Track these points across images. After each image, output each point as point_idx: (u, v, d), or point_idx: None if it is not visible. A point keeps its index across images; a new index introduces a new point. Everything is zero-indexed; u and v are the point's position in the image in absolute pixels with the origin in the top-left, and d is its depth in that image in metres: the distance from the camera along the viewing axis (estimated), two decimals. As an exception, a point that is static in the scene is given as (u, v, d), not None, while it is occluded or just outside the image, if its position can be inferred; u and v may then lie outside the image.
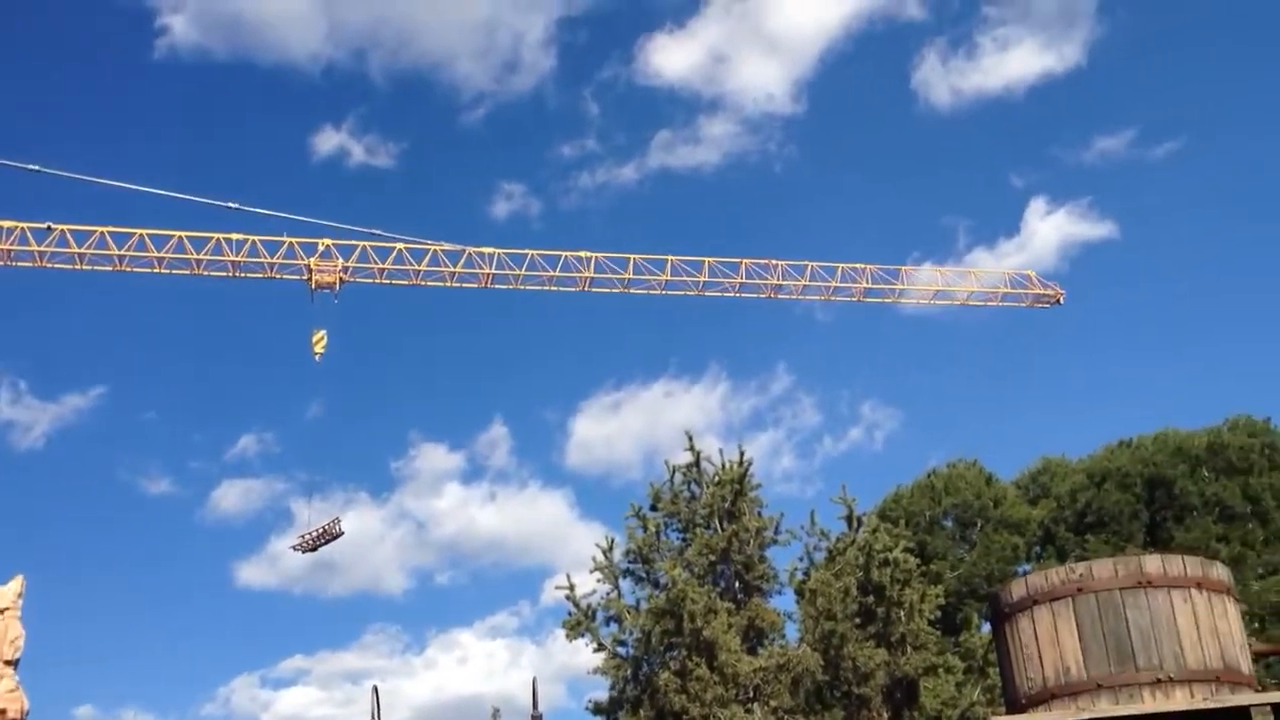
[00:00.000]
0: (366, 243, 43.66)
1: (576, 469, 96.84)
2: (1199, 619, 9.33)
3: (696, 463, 26.06)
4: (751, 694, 22.97)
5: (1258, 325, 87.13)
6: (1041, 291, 51.18)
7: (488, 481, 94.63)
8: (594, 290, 46.05)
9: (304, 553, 38.14)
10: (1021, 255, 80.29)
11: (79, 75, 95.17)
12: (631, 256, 46.02)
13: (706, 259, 46.61)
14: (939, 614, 24.56)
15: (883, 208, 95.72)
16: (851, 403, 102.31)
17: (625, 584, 25.13)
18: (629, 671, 24.37)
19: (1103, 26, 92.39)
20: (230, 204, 43.53)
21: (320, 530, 37.28)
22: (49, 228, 40.65)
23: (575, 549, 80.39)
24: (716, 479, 25.64)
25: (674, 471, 26.08)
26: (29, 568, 46.88)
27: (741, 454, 25.74)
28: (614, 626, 24.69)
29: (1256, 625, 32.93)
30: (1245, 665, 9.41)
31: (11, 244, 40.67)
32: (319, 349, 41.73)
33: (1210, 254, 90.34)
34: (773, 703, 22.76)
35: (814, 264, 47.50)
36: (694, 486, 26.02)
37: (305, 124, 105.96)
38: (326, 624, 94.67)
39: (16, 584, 30.50)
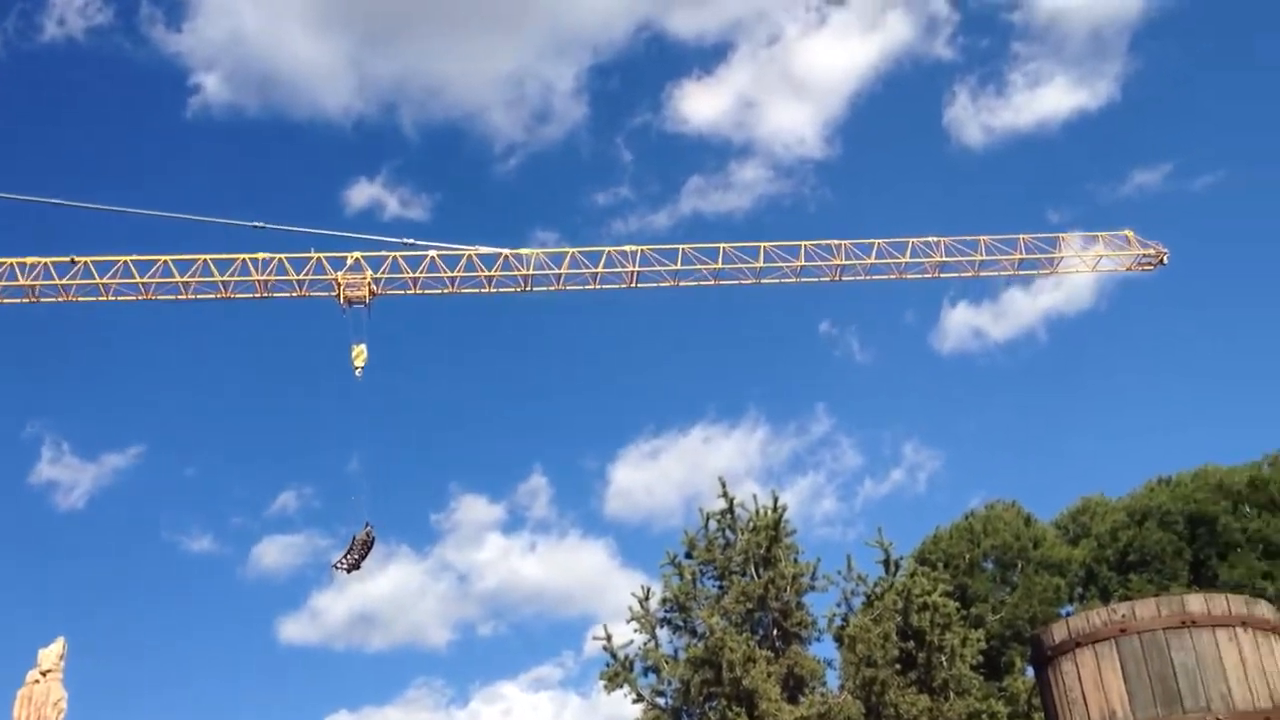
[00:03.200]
0: (398, 253, 42.24)
1: (617, 517, 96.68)
2: (1245, 658, 9.13)
3: (731, 509, 25.89)
4: (793, 743, 22.68)
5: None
6: (1143, 252, 45.65)
7: (528, 531, 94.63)
8: (641, 286, 43.45)
9: (348, 571, 37.54)
10: (1058, 291, 79.81)
11: (111, 135, 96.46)
12: (681, 246, 43.56)
13: (763, 244, 43.47)
14: (981, 658, 24.21)
15: (918, 247, 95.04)
16: (893, 444, 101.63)
17: (663, 633, 25.00)
18: (668, 722, 24.14)
19: (1136, 61, 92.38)
20: (256, 224, 42.43)
21: (358, 542, 36.81)
22: (72, 260, 40.45)
23: (617, 598, 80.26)
24: (751, 525, 25.47)
25: (708, 518, 25.92)
26: (71, 630, 47.01)
27: (775, 499, 25.60)
28: (652, 677, 24.53)
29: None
30: (1294, 704, 9.18)
31: (34, 279, 40.57)
32: (359, 363, 40.39)
33: (1248, 286, 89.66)
34: (815, 752, 22.46)
35: (880, 241, 44.30)
36: (729, 533, 25.84)
37: (339, 177, 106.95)
38: (370, 679, 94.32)
39: (58, 646, 30.64)
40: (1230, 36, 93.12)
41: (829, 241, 43.41)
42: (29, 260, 40.57)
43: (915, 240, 44.34)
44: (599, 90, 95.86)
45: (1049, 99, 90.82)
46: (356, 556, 36.86)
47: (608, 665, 24.82)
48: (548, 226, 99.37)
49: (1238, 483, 41.76)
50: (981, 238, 44.21)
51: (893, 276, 44.41)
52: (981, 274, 44.50)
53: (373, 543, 37.04)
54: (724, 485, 25.97)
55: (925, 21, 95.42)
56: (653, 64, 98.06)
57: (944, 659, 23.23)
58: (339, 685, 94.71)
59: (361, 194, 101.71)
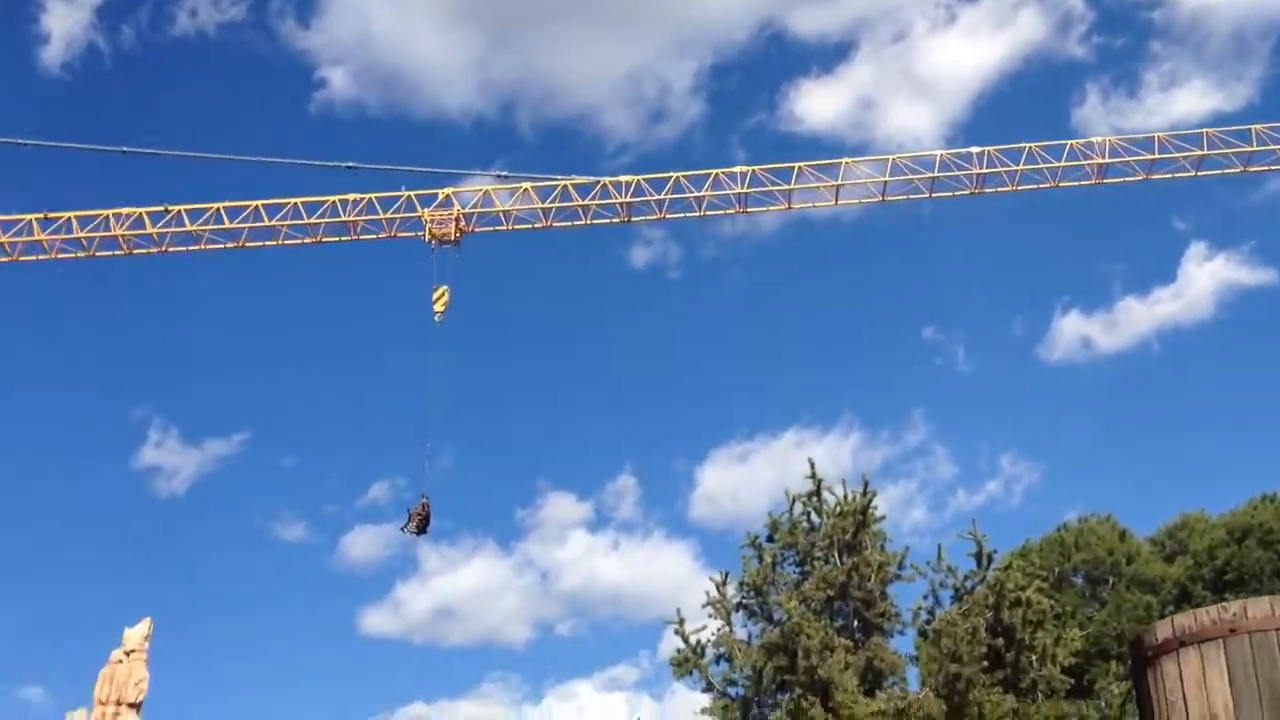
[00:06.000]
0: (489, 186, 40.89)
1: (701, 520, 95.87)
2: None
3: (818, 491, 24.77)
4: (869, 738, 21.53)
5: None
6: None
7: (613, 530, 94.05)
8: (750, 210, 41.33)
9: (418, 534, 37.04)
10: (1176, 303, 77.07)
11: (232, 126, 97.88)
12: (797, 165, 40.55)
13: (939, 153, 41.06)
14: (1072, 661, 22.82)
15: (1032, 252, 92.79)
16: (990, 455, 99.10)
17: (738, 619, 23.99)
18: (738, 713, 23.14)
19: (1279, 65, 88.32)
20: (347, 163, 41.75)
21: (413, 514, 36.44)
22: (165, 209, 40.47)
23: (696, 601, 78.71)
24: (838, 510, 24.32)
25: (794, 501, 24.82)
26: (160, 611, 47.27)
27: (865, 483, 24.44)
28: (724, 665, 23.53)
29: None
30: None
31: (127, 229, 40.64)
32: (439, 307, 38.75)
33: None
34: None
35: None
36: (815, 516, 24.72)
37: (452, 173, 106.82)
38: (447, 672, 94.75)
39: (144, 626, 30.77)
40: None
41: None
42: (124, 211, 40.59)
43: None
44: (717, 89, 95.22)
45: (1184, 101, 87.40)
46: (416, 524, 36.46)
47: (678, 651, 23.92)
48: (655, 224, 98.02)
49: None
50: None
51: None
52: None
53: (429, 514, 36.51)
54: (812, 466, 24.92)
55: (1059, 19, 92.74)
56: (772, 63, 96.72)
57: (1034, 659, 21.93)
58: (416, 677, 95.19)
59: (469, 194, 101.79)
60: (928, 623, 23.02)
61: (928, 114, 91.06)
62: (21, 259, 41.48)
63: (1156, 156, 39.69)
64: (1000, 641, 22.08)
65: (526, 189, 40.37)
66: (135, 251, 41.15)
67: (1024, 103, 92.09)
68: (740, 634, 23.66)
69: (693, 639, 23.61)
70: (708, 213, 41.12)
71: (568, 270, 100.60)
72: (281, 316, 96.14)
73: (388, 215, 40.14)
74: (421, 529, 36.52)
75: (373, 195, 40.15)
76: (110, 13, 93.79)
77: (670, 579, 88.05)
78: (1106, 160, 39.69)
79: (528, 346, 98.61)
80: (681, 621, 23.79)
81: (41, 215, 41.17)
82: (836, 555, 23.92)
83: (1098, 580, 39.59)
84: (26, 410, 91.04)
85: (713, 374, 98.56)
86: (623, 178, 40.95)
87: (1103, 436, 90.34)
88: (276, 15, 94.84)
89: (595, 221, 40.92)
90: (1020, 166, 39.54)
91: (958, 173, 40.03)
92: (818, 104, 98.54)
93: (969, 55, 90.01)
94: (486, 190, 40.77)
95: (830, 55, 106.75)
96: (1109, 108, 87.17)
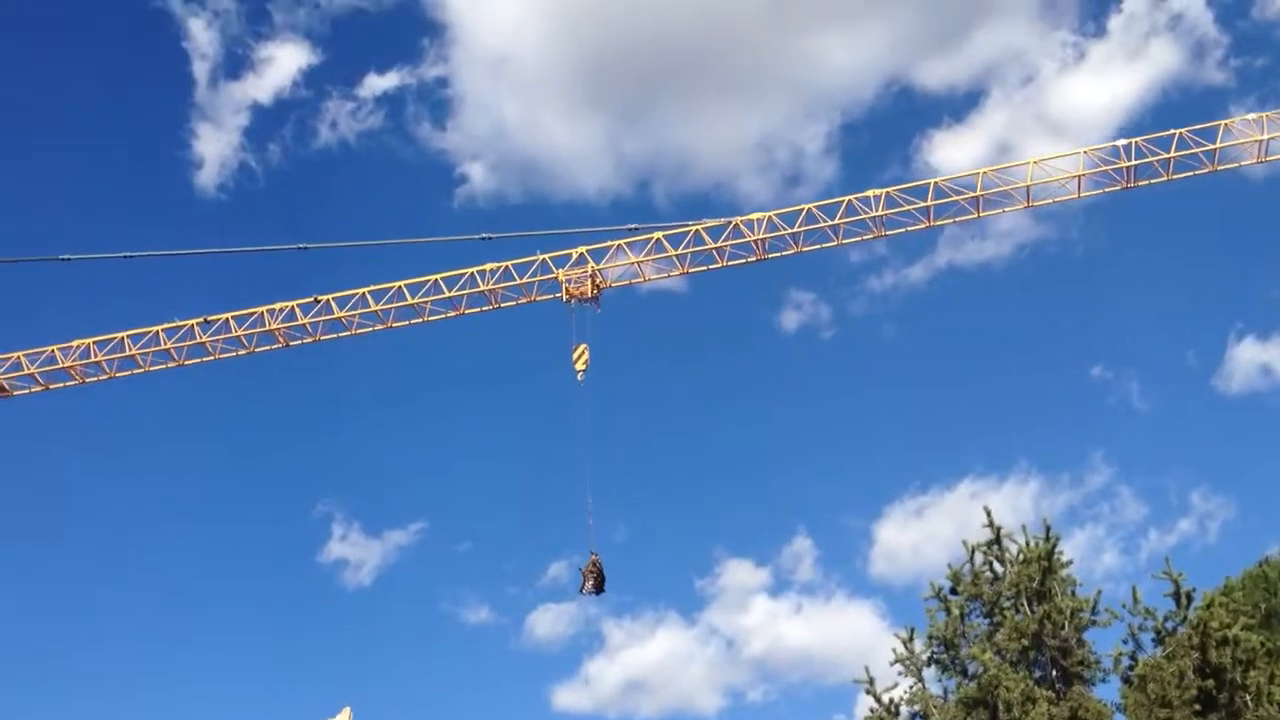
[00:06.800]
0: (621, 240, 40.77)
1: (883, 577, 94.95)
2: None
3: (997, 539, 24.26)
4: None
5: None
6: None
7: (794, 593, 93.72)
8: (888, 233, 40.56)
9: (596, 592, 36.97)
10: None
11: (379, 225, 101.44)
12: (932, 181, 40.45)
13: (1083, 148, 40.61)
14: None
15: (1200, 285, 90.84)
16: (1180, 492, 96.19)
17: (929, 674, 23.45)
18: (941, 769, 22.56)
19: None
20: (483, 235, 43.13)
21: (586, 572, 36.37)
22: (315, 300, 41.82)
23: (886, 659, 78.05)
24: (1021, 557, 23.73)
25: (973, 551, 24.30)
26: (358, 700, 48.28)
27: (1047, 528, 23.82)
28: (918, 722, 22.98)
29: None
30: None
31: (280, 322, 42.03)
32: (580, 365, 39.21)
33: None
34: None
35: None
36: (996, 564, 24.15)
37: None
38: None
39: (345, 715, 31.41)
40: None
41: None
42: (277, 306, 42.10)
43: None
44: (850, 148, 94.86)
45: None
46: (593, 582, 36.40)
47: (871, 711, 23.42)
48: (802, 286, 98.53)
49: None
50: None
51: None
52: None
53: (601, 571, 36.48)
54: (989, 515, 24.38)
55: (1193, 46, 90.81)
56: (902, 117, 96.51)
57: (1249, 699, 20.99)
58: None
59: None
60: (1130, 668, 22.27)
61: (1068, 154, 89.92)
62: (187, 363, 43.08)
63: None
64: (1210, 683, 21.22)
65: (659, 238, 40.62)
66: (291, 344, 42.43)
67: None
68: (934, 689, 23.15)
69: (885, 697, 23.15)
70: (844, 241, 40.55)
71: (719, 338, 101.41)
72: (439, 399, 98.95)
73: (525, 280, 40.77)
74: (599, 587, 36.36)
75: (509, 263, 40.93)
76: (256, 133, 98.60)
77: (858, 638, 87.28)
78: (1266, 136, 38.13)
79: (685, 417, 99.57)
80: (871, 681, 23.36)
81: (201, 319, 42.75)
82: (1025, 604, 23.30)
83: (1310, 615, 37.73)
84: (216, 513, 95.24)
85: (877, 430, 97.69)
86: (754, 215, 40.91)
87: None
88: (413, 120, 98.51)
89: (731, 263, 40.78)
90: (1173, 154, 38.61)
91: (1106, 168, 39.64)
92: (952, 153, 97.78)
93: (1101, 92, 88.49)
94: (620, 244, 41.11)
95: (960, 104, 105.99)
96: (1259, 129, 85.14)
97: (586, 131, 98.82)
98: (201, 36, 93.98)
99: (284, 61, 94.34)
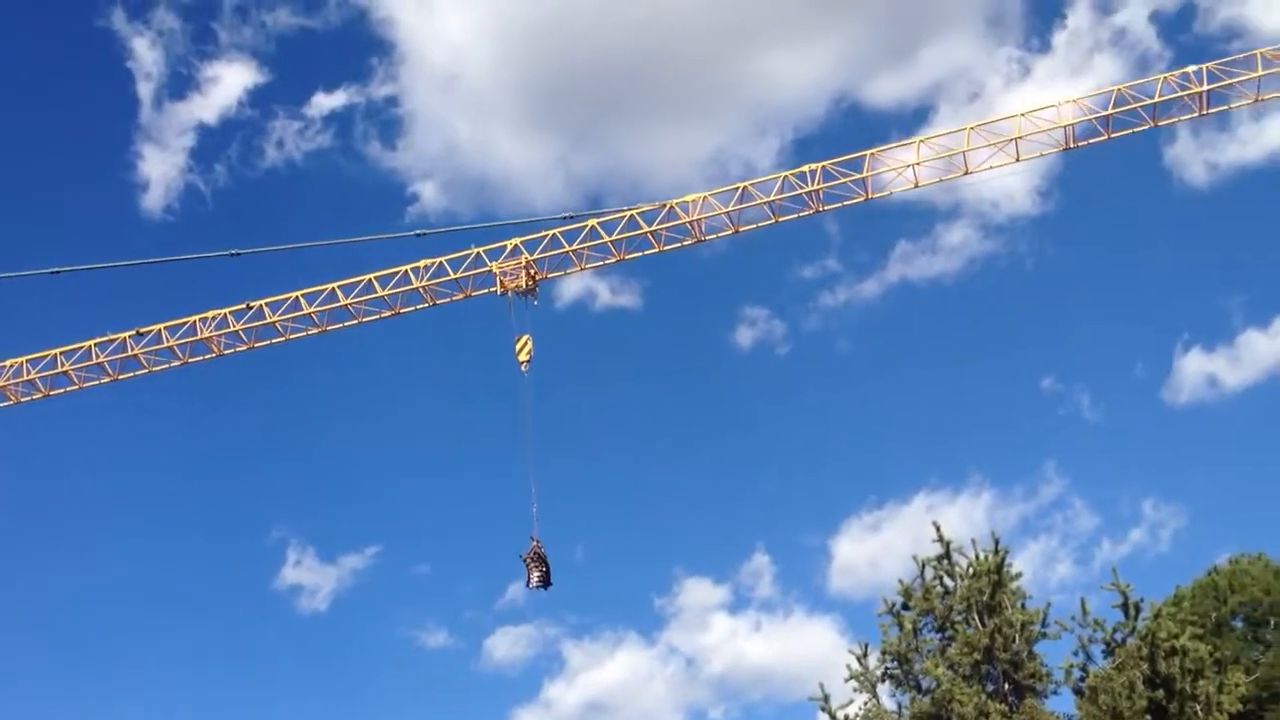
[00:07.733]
0: (556, 229, 40.31)
1: (842, 593, 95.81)
2: None
3: (947, 554, 24.48)
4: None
5: None
6: None
7: (753, 610, 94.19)
8: (827, 208, 40.25)
9: (544, 586, 36.49)
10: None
11: (336, 237, 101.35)
12: (868, 152, 40.54)
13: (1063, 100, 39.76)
14: (1240, 707, 22.17)
15: (1147, 297, 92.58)
16: (1131, 502, 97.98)
17: (884, 690, 23.61)
18: (897, 785, 22.71)
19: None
20: (416, 232, 42.96)
21: (528, 559, 35.79)
22: (247, 306, 41.05)
23: (844, 676, 78.96)
24: (971, 571, 23.95)
25: (924, 565, 24.50)
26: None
27: (996, 542, 24.07)
28: (873, 737, 23.09)
29: None
30: None
31: (214, 331, 41.21)
32: (524, 357, 39.17)
33: None
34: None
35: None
36: (947, 579, 24.36)
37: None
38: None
39: None
40: None
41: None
42: (209, 314, 41.27)
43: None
44: (801, 163, 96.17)
45: (1277, 130, 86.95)
46: (538, 575, 35.93)
47: (824, 729, 23.51)
48: (756, 303, 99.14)
49: None
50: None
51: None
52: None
53: (544, 556, 36.03)
54: (938, 530, 24.57)
55: (1136, 59, 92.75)
56: (851, 133, 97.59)
57: (1198, 708, 21.36)
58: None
59: (572, 286, 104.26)
60: (1082, 680, 22.55)
61: (1016, 169, 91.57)
62: (121, 377, 42.17)
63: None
64: (1160, 693, 21.57)
65: (594, 225, 40.21)
66: (226, 352, 41.63)
67: (1114, 147, 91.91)
68: (889, 704, 23.31)
69: (840, 714, 23.25)
70: (781, 218, 40.14)
71: (674, 356, 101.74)
72: (387, 412, 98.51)
73: (460, 274, 40.18)
74: (545, 581, 35.90)
75: (443, 258, 40.34)
76: (202, 154, 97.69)
77: (818, 654, 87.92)
78: (1206, 87, 38.14)
79: (642, 436, 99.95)
80: (826, 698, 23.46)
81: (133, 332, 41.91)
82: (977, 618, 23.51)
83: (1258, 623, 38.41)
84: (169, 542, 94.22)
85: (833, 445, 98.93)
86: (689, 197, 40.48)
87: (1245, 474, 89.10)
88: (362, 139, 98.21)
89: (667, 248, 40.43)
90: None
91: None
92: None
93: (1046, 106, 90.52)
94: (555, 233, 40.82)
95: (910, 120, 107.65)
96: (1201, 142, 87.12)
97: (538, 149, 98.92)
98: (146, 56, 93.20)
99: (230, 81, 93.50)
